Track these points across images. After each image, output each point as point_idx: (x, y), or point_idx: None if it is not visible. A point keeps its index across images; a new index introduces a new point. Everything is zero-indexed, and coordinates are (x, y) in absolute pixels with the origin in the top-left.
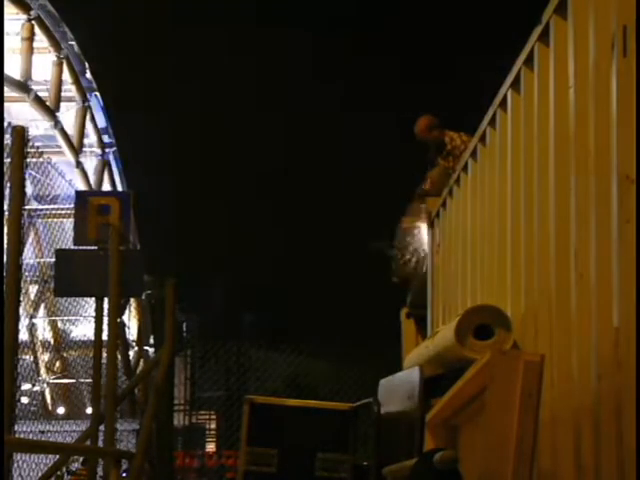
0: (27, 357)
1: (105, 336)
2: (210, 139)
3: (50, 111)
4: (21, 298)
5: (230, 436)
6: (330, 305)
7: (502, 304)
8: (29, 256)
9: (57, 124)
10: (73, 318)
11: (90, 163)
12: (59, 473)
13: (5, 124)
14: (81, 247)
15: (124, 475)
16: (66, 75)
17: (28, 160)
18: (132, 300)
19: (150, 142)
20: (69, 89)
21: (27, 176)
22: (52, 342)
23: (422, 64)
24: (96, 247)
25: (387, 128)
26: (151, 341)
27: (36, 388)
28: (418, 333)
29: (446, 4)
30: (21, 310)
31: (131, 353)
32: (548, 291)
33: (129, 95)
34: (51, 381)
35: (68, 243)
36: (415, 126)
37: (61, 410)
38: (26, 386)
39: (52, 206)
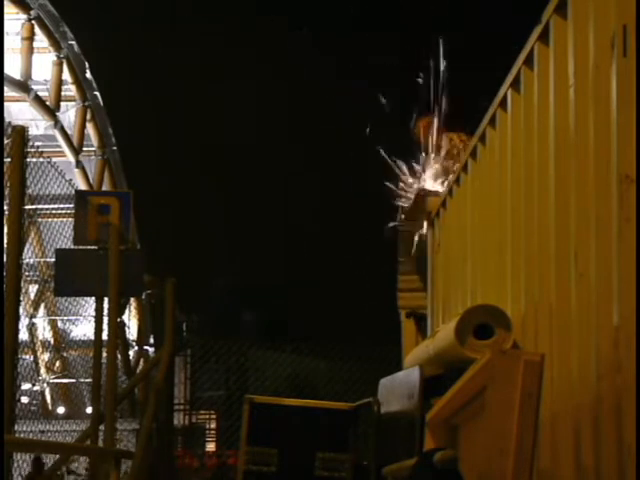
0: (27, 357)
1: (105, 336)
2: (210, 138)
3: (50, 111)
4: (21, 298)
5: (230, 436)
6: (330, 305)
7: (502, 304)
8: (29, 256)
9: (57, 124)
10: (73, 318)
11: (90, 163)
12: (59, 473)
13: (5, 124)
14: (81, 247)
15: None
16: (66, 75)
17: (28, 160)
18: (132, 300)
19: (150, 141)
20: (69, 89)
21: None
22: (52, 342)
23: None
24: (96, 247)
25: (388, 127)
26: (151, 341)
27: (36, 388)
28: (418, 333)
29: (446, 4)
30: (21, 310)
31: (131, 353)
32: (548, 291)
33: (129, 94)
34: (51, 381)
35: (68, 242)
36: (414, 127)
37: (61, 410)
38: (26, 386)
39: (52, 206)
